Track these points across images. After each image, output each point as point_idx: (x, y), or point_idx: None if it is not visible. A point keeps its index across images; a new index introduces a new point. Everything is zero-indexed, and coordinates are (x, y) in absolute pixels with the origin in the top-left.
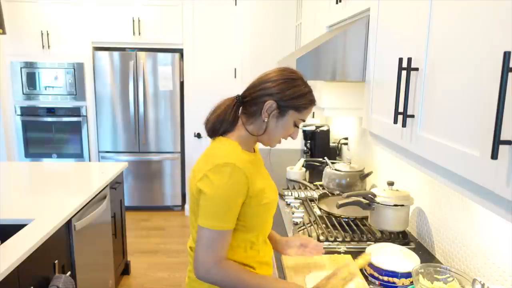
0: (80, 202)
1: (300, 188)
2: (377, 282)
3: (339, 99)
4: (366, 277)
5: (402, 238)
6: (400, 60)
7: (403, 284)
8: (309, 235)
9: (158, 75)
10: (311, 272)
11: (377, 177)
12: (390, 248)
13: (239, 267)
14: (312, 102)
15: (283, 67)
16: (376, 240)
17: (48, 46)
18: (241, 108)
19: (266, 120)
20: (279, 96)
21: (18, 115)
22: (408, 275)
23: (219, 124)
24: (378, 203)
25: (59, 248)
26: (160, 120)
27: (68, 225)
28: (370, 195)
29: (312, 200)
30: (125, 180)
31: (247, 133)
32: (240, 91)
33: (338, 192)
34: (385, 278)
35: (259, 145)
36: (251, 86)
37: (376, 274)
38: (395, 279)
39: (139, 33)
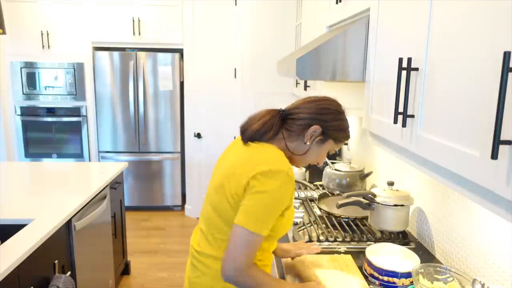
0: (80, 202)
1: (300, 188)
2: (377, 282)
3: (339, 99)
4: (366, 277)
5: (402, 238)
6: (400, 60)
7: (403, 284)
8: (309, 235)
9: (158, 75)
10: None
11: (377, 177)
12: (390, 248)
13: (265, 272)
14: (348, 137)
15: (332, 98)
16: (376, 240)
17: (48, 46)
18: (282, 122)
19: (308, 143)
20: (325, 124)
21: (18, 115)
22: (408, 275)
23: (262, 135)
24: (378, 203)
25: (59, 248)
26: (160, 120)
27: (68, 225)
28: (370, 195)
29: (312, 200)
30: (125, 180)
31: (285, 147)
32: (240, 91)
33: (338, 192)
34: (385, 278)
35: None
36: (296, 105)
37: (376, 274)
38: (395, 279)
39: (139, 33)
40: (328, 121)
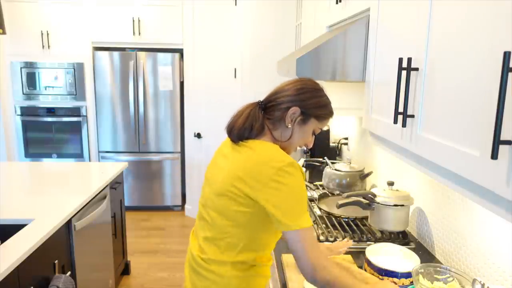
0: (80, 202)
1: None
2: None
3: (339, 99)
4: None
5: (402, 238)
6: (400, 60)
7: (403, 284)
8: None
9: (158, 75)
10: None
11: (377, 177)
12: (390, 248)
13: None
14: (331, 113)
15: (307, 77)
16: (376, 240)
17: (48, 46)
18: (263, 113)
19: (289, 126)
20: (303, 103)
21: (18, 115)
22: (408, 275)
23: (249, 130)
24: (378, 203)
25: (59, 248)
26: (160, 120)
27: (68, 225)
28: (370, 195)
29: (312, 200)
30: (125, 180)
31: (273, 139)
32: (240, 91)
33: (338, 192)
34: (385, 278)
35: None
36: (274, 92)
37: (376, 274)
38: (395, 279)
39: (139, 33)
40: (306, 100)
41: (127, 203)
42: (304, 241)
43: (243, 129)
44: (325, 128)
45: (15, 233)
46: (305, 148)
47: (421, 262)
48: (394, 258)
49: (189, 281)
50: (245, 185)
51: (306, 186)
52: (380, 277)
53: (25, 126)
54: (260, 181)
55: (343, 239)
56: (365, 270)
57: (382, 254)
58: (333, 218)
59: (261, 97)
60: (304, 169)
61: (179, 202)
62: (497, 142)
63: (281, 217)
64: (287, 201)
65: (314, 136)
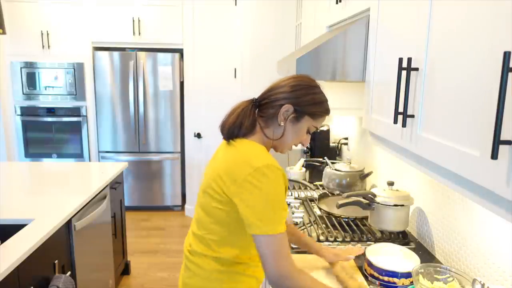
0: (80, 202)
1: (300, 188)
2: (377, 282)
3: (339, 99)
4: (366, 277)
5: (402, 238)
6: (400, 60)
7: (403, 284)
8: (309, 235)
9: (158, 75)
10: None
11: (377, 177)
12: (390, 248)
13: (307, 274)
14: (327, 111)
15: (303, 74)
16: (376, 240)
17: (48, 46)
18: (258, 111)
19: (282, 124)
20: (296, 101)
21: (18, 115)
22: (408, 275)
23: (238, 128)
24: (378, 203)
25: (59, 248)
26: (160, 120)
27: (68, 225)
28: (370, 195)
29: (312, 200)
30: (125, 180)
31: (264, 137)
32: (240, 91)
33: (338, 192)
34: (385, 278)
35: None
36: (269, 89)
37: (376, 274)
38: (395, 279)
39: (139, 33)
40: (300, 97)
41: (127, 203)
42: (272, 247)
43: (233, 127)
44: (325, 128)
45: (15, 233)
46: (304, 148)
47: (421, 262)
48: (395, 258)
49: (180, 273)
50: (223, 183)
51: (306, 186)
52: (381, 277)
53: (25, 126)
54: (236, 181)
55: (343, 239)
56: (365, 270)
57: (383, 254)
58: (333, 218)
59: None
60: (303, 169)
61: (179, 202)
62: (497, 142)
63: (252, 219)
64: (259, 203)
65: (309, 135)
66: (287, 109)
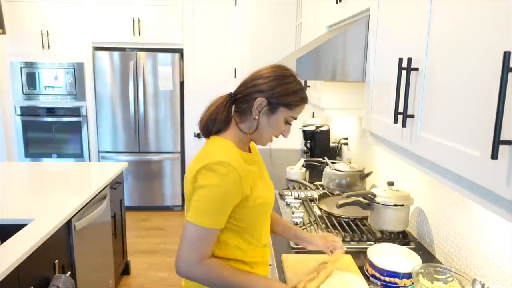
0: (80, 202)
1: (300, 188)
2: (378, 283)
3: (339, 99)
4: (367, 278)
5: (402, 238)
6: (400, 60)
7: (404, 284)
8: None
9: (158, 75)
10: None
11: (377, 177)
12: (391, 248)
13: (222, 265)
14: (303, 100)
15: (276, 64)
16: (376, 240)
17: (48, 46)
18: (234, 106)
19: (256, 118)
20: (269, 93)
21: (18, 115)
22: (409, 275)
23: (212, 123)
24: (378, 203)
25: (59, 248)
26: (160, 120)
27: (68, 225)
28: (370, 195)
29: (312, 200)
30: (125, 180)
31: (240, 132)
32: None
33: (338, 192)
34: (387, 279)
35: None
36: (242, 83)
37: (377, 275)
38: (396, 280)
39: (139, 33)
40: (272, 88)
41: (127, 203)
42: (187, 235)
43: (207, 123)
44: (325, 128)
45: (15, 233)
46: (304, 148)
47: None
48: (396, 258)
49: None
50: (186, 179)
51: (306, 186)
52: (382, 277)
53: (25, 126)
54: (191, 173)
55: (343, 239)
56: (367, 271)
57: (384, 254)
58: (333, 218)
59: None
60: (303, 169)
61: (179, 202)
62: (497, 142)
63: (192, 208)
64: (200, 194)
65: (290, 125)
66: (261, 102)
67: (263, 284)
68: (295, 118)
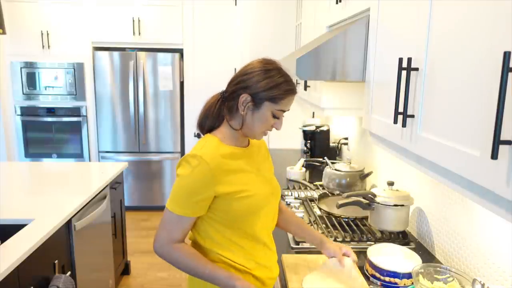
0: (80, 202)
1: (300, 188)
2: (378, 283)
3: (339, 99)
4: (367, 278)
5: (402, 238)
6: (400, 60)
7: (404, 284)
8: None
9: (158, 75)
10: (311, 273)
11: (377, 177)
12: (391, 248)
13: (190, 252)
14: (288, 92)
15: (262, 58)
16: (376, 240)
17: (48, 46)
18: (225, 103)
19: (243, 114)
20: (253, 89)
21: (18, 115)
22: (410, 275)
23: (205, 120)
24: (378, 203)
25: (59, 248)
26: (160, 120)
27: (68, 225)
28: (370, 195)
29: (312, 200)
30: (125, 180)
31: (230, 128)
32: None
33: (338, 192)
34: (387, 279)
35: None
36: (230, 80)
37: (377, 275)
38: (396, 280)
39: (139, 33)
40: (254, 84)
41: (127, 203)
42: (163, 218)
43: (201, 121)
44: (325, 128)
45: (15, 233)
46: (304, 148)
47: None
48: (396, 258)
49: None
50: None
51: (306, 186)
52: (382, 277)
53: (25, 126)
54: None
55: (343, 239)
56: (367, 271)
57: (384, 254)
58: (333, 218)
59: None
60: (303, 169)
61: None
62: (497, 142)
63: (170, 193)
64: (176, 185)
65: (280, 118)
66: (245, 98)
67: (224, 277)
68: (284, 111)
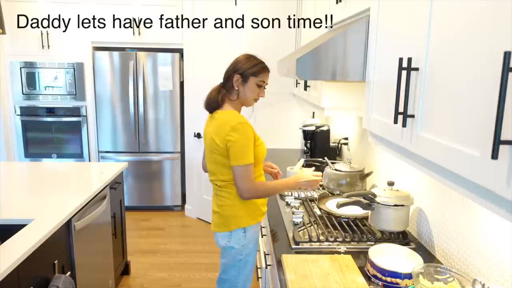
0: (80, 202)
1: (300, 188)
2: (380, 283)
3: (339, 99)
4: (369, 278)
5: (402, 238)
6: (400, 60)
7: (406, 285)
8: (309, 235)
9: (158, 75)
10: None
11: (377, 177)
12: (393, 248)
13: (263, 182)
14: (264, 68)
15: (245, 53)
16: (376, 240)
17: (48, 46)
18: (223, 90)
19: (237, 89)
20: (240, 69)
21: (18, 115)
22: (411, 275)
23: (214, 102)
24: (378, 203)
25: (59, 248)
26: (160, 120)
27: (68, 225)
28: (370, 195)
29: (312, 200)
30: (125, 180)
31: (233, 102)
32: None
33: (338, 192)
34: (388, 279)
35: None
36: (224, 73)
37: (379, 275)
38: (398, 280)
39: (139, 33)
40: (240, 66)
41: (127, 203)
42: (238, 174)
43: (210, 102)
44: (325, 128)
45: (15, 233)
46: (304, 148)
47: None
48: (397, 258)
49: (213, 203)
50: (215, 142)
51: None
52: (383, 277)
53: (25, 126)
54: (221, 135)
55: (343, 239)
56: (368, 271)
57: (385, 254)
58: (333, 218)
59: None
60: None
61: (179, 202)
62: (497, 142)
63: (232, 156)
64: (235, 147)
65: (262, 88)
66: (236, 78)
67: (285, 183)
68: (265, 82)
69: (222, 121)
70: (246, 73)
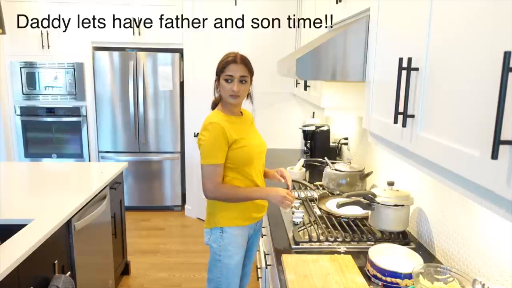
0: (80, 202)
1: (300, 188)
2: (380, 283)
3: (339, 99)
4: (369, 278)
5: (402, 238)
6: (400, 60)
7: (406, 285)
8: (309, 235)
9: (158, 75)
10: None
11: (377, 177)
12: (393, 248)
13: (232, 185)
14: (227, 62)
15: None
16: (376, 240)
17: (48, 46)
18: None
19: (218, 90)
20: (216, 72)
21: (18, 115)
22: (411, 275)
23: (212, 104)
24: (378, 203)
25: (59, 248)
26: (160, 120)
27: (68, 225)
28: (370, 195)
29: (312, 200)
30: (125, 180)
31: (223, 104)
32: None
33: (338, 192)
34: (388, 279)
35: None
36: None
37: (379, 275)
38: (398, 280)
39: (139, 33)
40: (216, 69)
41: (127, 203)
42: (203, 173)
43: (212, 104)
44: (325, 128)
45: (15, 233)
46: (304, 148)
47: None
48: (397, 258)
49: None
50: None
51: (306, 186)
52: (384, 277)
53: (25, 126)
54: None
55: (343, 239)
56: (368, 271)
57: (385, 254)
58: (333, 218)
59: (261, 96)
60: (303, 169)
61: (179, 202)
62: (497, 142)
63: (200, 155)
64: (204, 145)
65: (230, 82)
66: (215, 79)
67: (254, 192)
68: (232, 76)
69: (204, 121)
70: (218, 73)
